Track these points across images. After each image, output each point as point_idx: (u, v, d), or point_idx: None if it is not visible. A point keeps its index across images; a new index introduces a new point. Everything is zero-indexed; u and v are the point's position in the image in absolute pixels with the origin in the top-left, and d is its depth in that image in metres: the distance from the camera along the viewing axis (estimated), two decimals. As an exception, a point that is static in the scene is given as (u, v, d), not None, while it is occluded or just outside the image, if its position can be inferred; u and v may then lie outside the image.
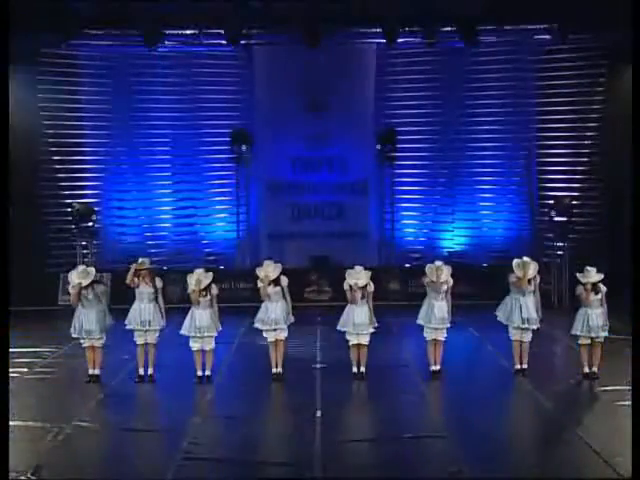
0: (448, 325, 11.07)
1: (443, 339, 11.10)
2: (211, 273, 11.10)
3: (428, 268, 11.07)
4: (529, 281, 11.00)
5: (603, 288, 10.83)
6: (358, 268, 10.90)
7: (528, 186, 18.71)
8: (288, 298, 11.07)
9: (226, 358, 12.27)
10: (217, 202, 19.30)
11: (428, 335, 11.11)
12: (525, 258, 11.14)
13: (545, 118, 18.35)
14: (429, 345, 11.15)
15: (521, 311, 11.01)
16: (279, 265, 11.06)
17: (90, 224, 17.18)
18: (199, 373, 10.97)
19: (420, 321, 11.16)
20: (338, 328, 11.06)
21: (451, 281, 11.03)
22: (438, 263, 11.14)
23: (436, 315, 10.93)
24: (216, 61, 18.53)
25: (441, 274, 10.94)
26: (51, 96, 17.81)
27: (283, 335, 11.09)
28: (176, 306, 13.06)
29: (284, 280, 11.04)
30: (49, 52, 17.58)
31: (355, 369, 11.06)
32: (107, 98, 18.32)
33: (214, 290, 10.99)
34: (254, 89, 18.50)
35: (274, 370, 11.07)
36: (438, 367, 11.12)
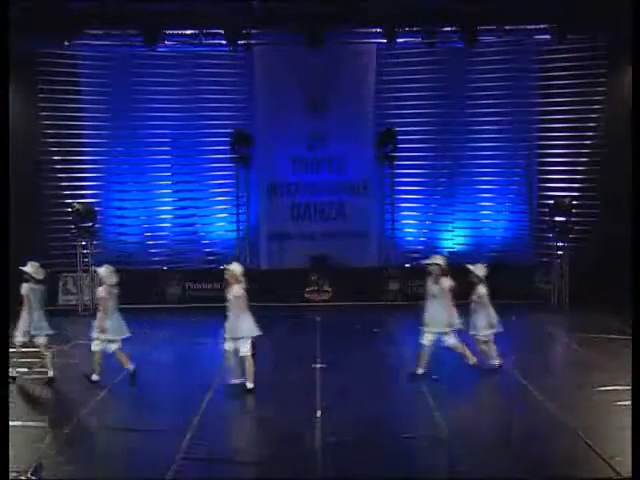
0: (461, 326, 11.07)
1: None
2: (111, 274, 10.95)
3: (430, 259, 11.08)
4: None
5: (482, 291, 11.00)
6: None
7: (528, 186, 18.73)
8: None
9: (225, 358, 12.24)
10: (217, 202, 19.25)
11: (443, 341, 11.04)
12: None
13: (545, 118, 18.33)
14: (428, 349, 11.02)
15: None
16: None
17: (90, 224, 17.17)
18: (94, 377, 10.86)
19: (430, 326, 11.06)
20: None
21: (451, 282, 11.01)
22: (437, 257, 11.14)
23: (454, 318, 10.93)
24: (216, 61, 18.50)
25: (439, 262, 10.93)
26: (51, 96, 17.81)
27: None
28: (176, 306, 13.08)
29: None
30: (49, 52, 17.59)
31: (238, 380, 10.64)
32: (107, 98, 18.29)
33: (100, 293, 10.85)
34: (254, 89, 18.45)
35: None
36: (474, 359, 11.10)
